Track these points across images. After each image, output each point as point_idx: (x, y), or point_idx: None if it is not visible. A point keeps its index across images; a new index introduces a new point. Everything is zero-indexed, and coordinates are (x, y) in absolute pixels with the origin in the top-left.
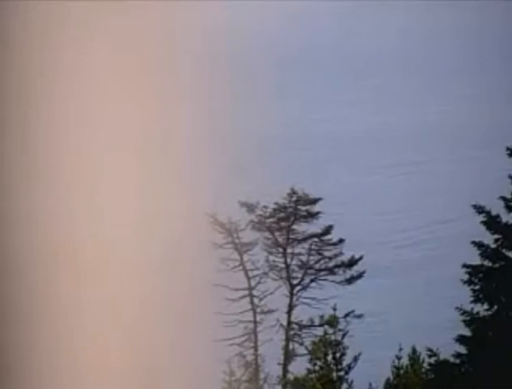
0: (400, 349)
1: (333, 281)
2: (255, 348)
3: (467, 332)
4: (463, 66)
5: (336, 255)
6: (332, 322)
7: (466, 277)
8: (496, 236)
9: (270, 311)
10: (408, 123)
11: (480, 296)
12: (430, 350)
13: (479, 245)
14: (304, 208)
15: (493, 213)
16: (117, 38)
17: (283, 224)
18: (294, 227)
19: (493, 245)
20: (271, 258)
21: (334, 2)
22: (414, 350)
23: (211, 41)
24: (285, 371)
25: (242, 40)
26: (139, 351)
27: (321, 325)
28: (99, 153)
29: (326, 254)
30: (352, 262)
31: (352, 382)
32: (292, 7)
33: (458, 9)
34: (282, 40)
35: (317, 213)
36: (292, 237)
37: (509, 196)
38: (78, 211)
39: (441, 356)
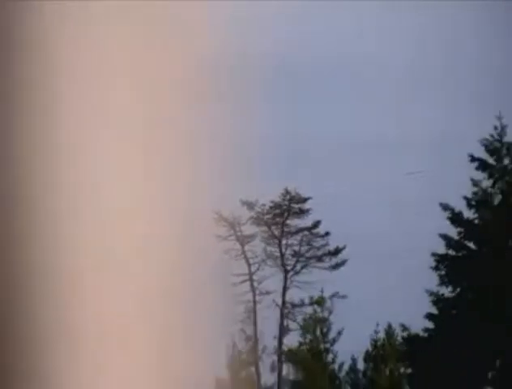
0: (377, 325)
1: (321, 267)
2: (254, 324)
3: (434, 311)
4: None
5: (323, 245)
6: (320, 302)
7: (434, 264)
8: (459, 229)
9: (268, 293)
10: (406, 130)
11: (446, 280)
12: (403, 326)
13: (445, 237)
14: (296, 206)
15: (456, 210)
16: (118, 38)
17: (278, 219)
18: (288, 222)
19: (456, 237)
20: (268, 248)
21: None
22: (390, 326)
23: (213, 41)
24: (280, 344)
25: (245, 40)
26: (155, 328)
27: (310, 304)
28: (102, 153)
29: (315, 244)
30: (336, 252)
31: (336, 352)
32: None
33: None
34: (281, 42)
35: (308, 210)
36: (286, 230)
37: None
38: (82, 209)
39: (413, 331)
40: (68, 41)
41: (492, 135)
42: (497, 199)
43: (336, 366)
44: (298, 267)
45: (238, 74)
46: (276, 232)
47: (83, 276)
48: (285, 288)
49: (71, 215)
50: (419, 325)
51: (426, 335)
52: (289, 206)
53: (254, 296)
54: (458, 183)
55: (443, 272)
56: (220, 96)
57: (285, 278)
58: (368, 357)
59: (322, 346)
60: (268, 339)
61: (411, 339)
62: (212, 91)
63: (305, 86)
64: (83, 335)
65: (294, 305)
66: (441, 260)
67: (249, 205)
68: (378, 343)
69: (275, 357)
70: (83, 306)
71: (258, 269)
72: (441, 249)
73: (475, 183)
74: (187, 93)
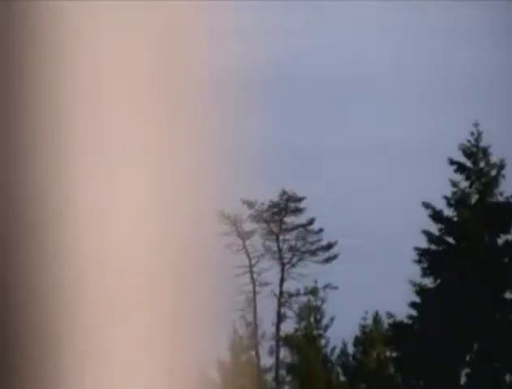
0: (366, 313)
1: (314, 261)
2: (254, 311)
3: (417, 300)
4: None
5: (317, 241)
6: (314, 292)
7: (417, 258)
8: (439, 226)
9: (266, 284)
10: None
11: (428, 272)
12: (389, 313)
13: (427, 233)
14: (292, 205)
15: (437, 209)
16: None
17: (276, 217)
18: (285, 219)
19: (437, 233)
20: (267, 243)
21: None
22: (377, 313)
23: (215, 44)
24: (278, 330)
25: (251, 49)
26: (165, 317)
27: (305, 294)
28: (105, 154)
29: (310, 240)
30: (329, 246)
31: (329, 338)
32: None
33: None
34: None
35: (303, 209)
36: (283, 227)
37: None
38: (84, 211)
39: (398, 318)
40: (81, 41)
41: (469, 141)
42: (474, 199)
43: (328, 350)
44: (294, 260)
45: (242, 82)
46: (274, 229)
47: (87, 275)
48: (282, 280)
49: (73, 212)
50: (403, 313)
51: (410, 321)
52: (286, 205)
53: (254, 286)
54: (439, 184)
55: (425, 265)
56: (224, 105)
57: (282, 270)
58: (357, 342)
59: (315, 332)
60: (267, 326)
61: (397, 326)
62: (216, 98)
63: (304, 95)
64: (85, 324)
65: (290, 295)
66: (423, 254)
67: (250, 204)
68: (367, 329)
69: (273, 342)
70: (85, 300)
71: (257, 262)
72: (424, 244)
73: (454, 184)
74: (192, 98)
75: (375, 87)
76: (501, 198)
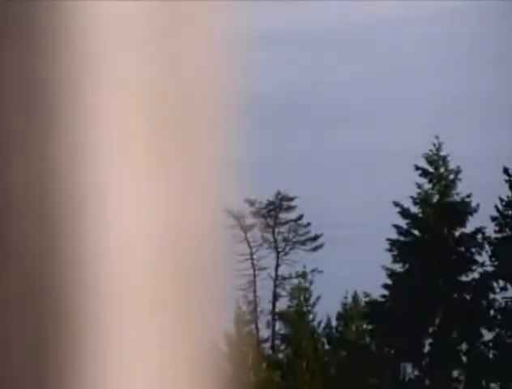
0: (346, 293)
1: (304, 249)
2: (254, 291)
3: (388, 282)
4: None
5: (306, 233)
6: (303, 275)
7: (388, 247)
8: (406, 221)
9: (264, 268)
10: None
11: (397, 259)
12: (366, 293)
13: (396, 227)
14: (285, 203)
15: (405, 206)
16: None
17: (272, 213)
18: (279, 215)
19: (405, 227)
20: (264, 235)
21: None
22: (355, 293)
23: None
24: (273, 307)
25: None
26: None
27: (296, 277)
28: (109, 153)
29: (300, 232)
30: (315, 238)
31: (316, 313)
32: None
33: None
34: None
35: (294, 206)
36: (277, 221)
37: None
38: (88, 211)
39: (373, 297)
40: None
41: (431, 150)
42: (435, 198)
43: (315, 324)
44: (287, 249)
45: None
46: (270, 223)
47: (99, 263)
48: (277, 265)
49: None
50: (377, 293)
51: (383, 300)
52: (280, 203)
53: (254, 271)
54: (408, 186)
55: (395, 253)
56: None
57: (277, 257)
58: (339, 317)
59: (304, 308)
60: (264, 304)
61: (372, 303)
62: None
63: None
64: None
65: (284, 278)
66: (394, 244)
67: (251, 203)
68: (347, 306)
69: (270, 317)
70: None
71: (256, 250)
72: (394, 235)
73: (419, 186)
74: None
75: (358, 101)
76: (457, 198)
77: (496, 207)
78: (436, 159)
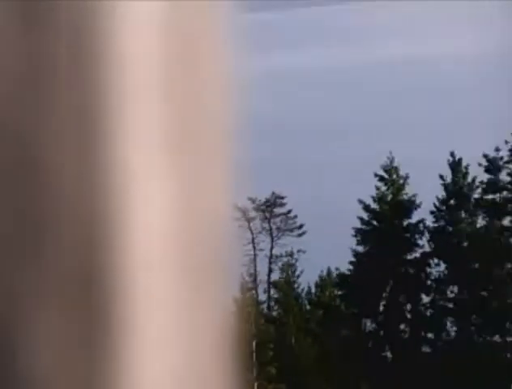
0: (322, 267)
1: (291, 235)
2: (255, 267)
3: (353, 259)
4: None
5: (293, 223)
6: (291, 254)
7: (354, 233)
8: (368, 214)
9: (262, 250)
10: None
11: (361, 242)
12: (337, 268)
13: (360, 218)
14: (278, 201)
15: (367, 203)
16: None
17: (268, 208)
18: (274, 210)
19: (366, 218)
20: (263, 224)
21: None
22: (329, 268)
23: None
24: (269, 278)
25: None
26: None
27: (286, 256)
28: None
29: (289, 222)
30: (300, 227)
31: (300, 283)
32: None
33: None
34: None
35: (285, 203)
36: (272, 214)
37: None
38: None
39: (342, 271)
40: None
41: (386, 162)
42: (389, 198)
43: (300, 290)
44: (279, 235)
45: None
46: (267, 216)
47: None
48: (272, 247)
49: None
50: (345, 267)
51: (349, 273)
52: (274, 201)
53: (254, 251)
54: (370, 189)
55: (359, 238)
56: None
57: (272, 241)
58: (317, 285)
59: (291, 279)
60: (262, 276)
61: (341, 275)
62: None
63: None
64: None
65: (277, 257)
66: (358, 231)
67: (253, 200)
68: (323, 277)
69: (266, 285)
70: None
71: (256, 236)
72: (359, 225)
73: (377, 188)
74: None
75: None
76: (405, 197)
77: (434, 204)
78: (390, 168)
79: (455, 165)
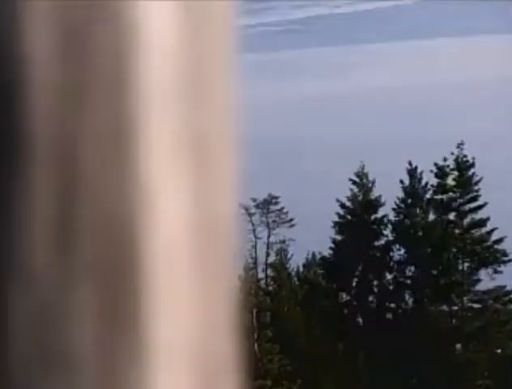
0: (308, 252)
1: (283, 227)
2: (255, 252)
3: (333, 246)
4: None
5: (284, 217)
6: (283, 242)
7: (333, 225)
8: (343, 210)
9: (260, 238)
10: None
11: (338, 232)
12: (320, 252)
13: (338, 213)
14: (273, 200)
15: (343, 202)
16: None
17: (266, 206)
18: (270, 207)
19: (342, 214)
20: (261, 218)
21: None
22: (313, 253)
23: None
24: (266, 260)
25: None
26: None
27: (279, 243)
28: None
29: (281, 216)
30: (290, 220)
31: (290, 264)
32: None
33: None
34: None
35: (278, 202)
36: (269, 210)
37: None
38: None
39: (324, 255)
40: None
41: (359, 170)
42: (360, 197)
43: (290, 270)
44: (274, 226)
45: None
46: (265, 211)
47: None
48: (268, 236)
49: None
50: (327, 252)
51: (329, 256)
52: (270, 200)
53: (255, 239)
54: (346, 191)
55: (337, 229)
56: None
57: (268, 232)
58: (304, 266)
59: (284, 261)
60: (261, 258)
61: (323, 258)
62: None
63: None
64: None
65: (272, 244)
66: (336, 224)
67: (253, 200)
68: (309, 260)
69: (264, 266)
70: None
71: (256, 228)
72: (336, 219)
73: (351, 190)
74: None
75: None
76: (373, 197)
77: (395, 202)
78: (362, 175)
79: (412, 172)
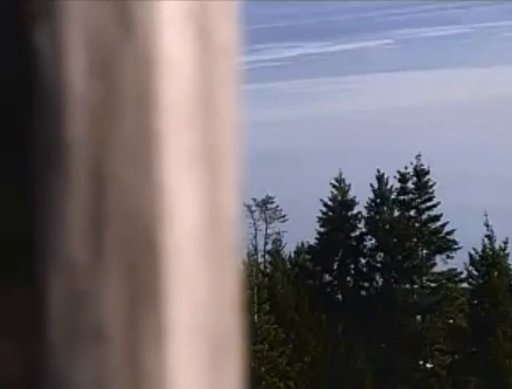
0: (297, 241)
1: (278, 221)
2: (255, 241)
3: (318, 237)
4: None
5: (279, 213)
6: (278, 233)
7: (317, 220)
8: (325, 208)
9: (260, 230)
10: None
11: (321, 225)
12: (307, 242)
13: (321, 211)
14: (270, 200)
15: (325, 202)
16: None
17: (264, 205)
18: (267, 205)
19: (325, 211)
20: (260, 214)
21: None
22: (302, 243)
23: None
24: (265, 248)
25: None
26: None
27: (275, 234)
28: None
29: (276, 213)
30: (283, 216)
31: (284, 251)
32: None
33: None
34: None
35: (274, 201)
36: (267, 208)
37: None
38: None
39: (311, 243)
40: None
41: (337, 176)
42: (339, 198)
43: (284, 256)
44: (270, 221)
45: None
46: (263, 209)
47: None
48: (266, 229)
49: None
50: (313, 241)
51: (315, 245)
52: (267, 200)
53: (256, 231)
54: (327, 193)
55: (321, 223)
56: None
57: (266, 225)
58: (295, 253)
59: (278, 248)
60: (260, 246)
61: (310, 246)
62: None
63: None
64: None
65: (269, 234)
66: (320, 218)
67: (254, 199)
68: (299, 248)
69: (263, 253)
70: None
71: (256, 222)
72: (320, 215)
73: (331, 192)
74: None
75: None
76: (348, 198)
77: (367, 202)
78: (339, 180)
79: (380, 178)
